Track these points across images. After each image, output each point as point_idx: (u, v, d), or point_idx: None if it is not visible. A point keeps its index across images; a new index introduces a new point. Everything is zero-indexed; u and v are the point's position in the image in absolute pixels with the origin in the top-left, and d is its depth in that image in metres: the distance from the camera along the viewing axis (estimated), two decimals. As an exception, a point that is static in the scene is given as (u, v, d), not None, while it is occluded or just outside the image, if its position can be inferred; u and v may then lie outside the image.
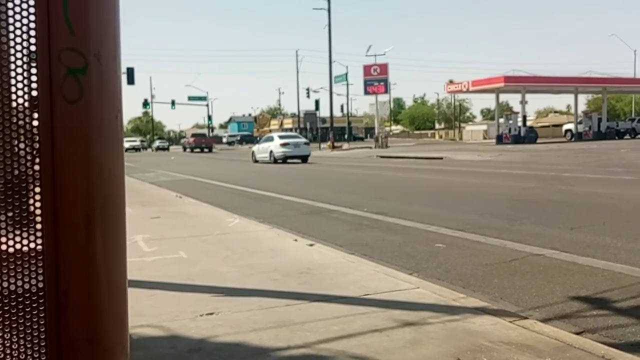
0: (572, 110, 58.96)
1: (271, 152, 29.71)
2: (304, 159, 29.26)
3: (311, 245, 6.65)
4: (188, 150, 62.69)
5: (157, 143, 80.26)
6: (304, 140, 31.38)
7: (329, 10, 52.58)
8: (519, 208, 9.92)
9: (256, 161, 31.24)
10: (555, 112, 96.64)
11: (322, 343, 3.50)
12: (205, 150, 60.48)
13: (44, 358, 1.17)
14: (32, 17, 1.15)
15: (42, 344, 1.17)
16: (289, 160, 28.81)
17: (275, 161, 29.00)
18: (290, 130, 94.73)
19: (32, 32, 1.15)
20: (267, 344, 3.50)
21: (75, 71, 1.14)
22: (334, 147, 49.47)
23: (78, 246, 1.14)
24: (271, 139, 31.28)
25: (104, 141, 1.18)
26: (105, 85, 1.19)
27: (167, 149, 77.00)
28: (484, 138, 66.03)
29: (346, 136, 64.79)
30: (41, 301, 1.16)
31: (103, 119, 1.19)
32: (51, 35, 1.14)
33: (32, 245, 1.16)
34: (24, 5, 1.16)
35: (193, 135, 69.48)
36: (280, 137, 31.33)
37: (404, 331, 3.67)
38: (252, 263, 5.73)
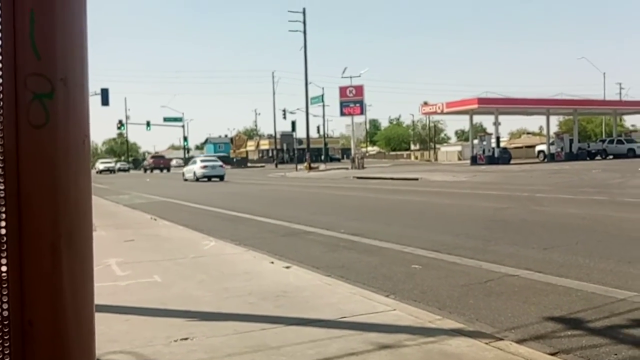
0: (545, 132, 59.99)
1: (194, 172, 36.19)
2: (221, 177, 35.76)
3: (287, 267, 6.61)
4: (148, 170, 70.11)
5: (100, 166, 74.73)
6: (219, 163, 38.50)
7: (304, 32, 53.05)
8: (494, 228, 10.01)
9: (185, 180, 37.32)
10: (528, 133, 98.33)
11: (298, 367, 3.46)
12: (164, 170, 68.94)
13: (8, 389, 1.13)
14: (-2, 42, 1.13)
15: (6, 374, 1.14)
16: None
17: (198, 179, 35.25)
18: (267, 151, 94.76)
19: (-2, 57, 1.13)
20: (242, 369, 3.44)
21: (41, 96, 1.13)
22: (310, 168, 49.54)
23: (44, 274, 1.12)
24: (195, 162, 38.03)
25: (70, 167, 1.16)
26: (72, 110, 1.18)
27: (128, 170, 75.87)
28: (459, 159, 66.76)
29: (323, 157, 64.90)
30: (6, 330, 1.12)
31: (70, 144, 1.17)
32: (17, 61, 1.12)
33: (-4, 272, 1.13)
34: (-10, 31, 1.13)
35: (152, 156, 77.40)
36: (202, 160, 38.66)
37: (381, 354, 3.65)
38: (227, 286, 5.66)
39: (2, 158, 1.11)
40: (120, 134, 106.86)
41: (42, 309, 1.13)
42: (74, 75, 1.16)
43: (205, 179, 35.12)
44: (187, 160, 53.30)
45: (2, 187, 1.12)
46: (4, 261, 1.13)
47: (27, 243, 1.12)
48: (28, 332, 1.12)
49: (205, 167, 36.16)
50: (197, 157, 42.30)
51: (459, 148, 74.64)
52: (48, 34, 1.12)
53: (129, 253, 7.83)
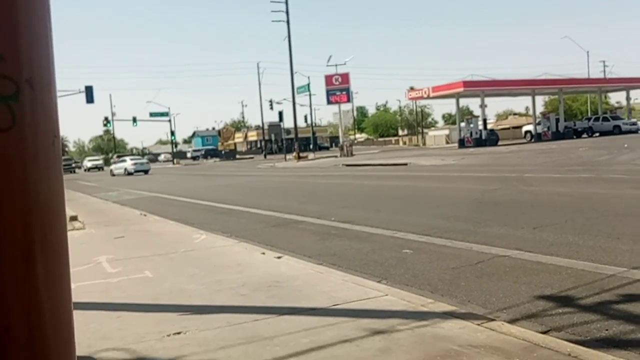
0: (531, 112, 60.24)
1: (125, 168, 48.48)
2: (146, 172, 47.43)
3: (279, 257, 6.61)
4: (86, 170, 74.21)
5: (87, 163, 76.30)
6: (146, 160, 54.89)
7: (287, 22, 52.77)
8: (483, 210, 10.05)
9: (113, 175, 48.70)
10: (515, 114, 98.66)
11: (292, 357, 3.46)
12: (103, 169, 73.61)
13: (-13, 397, 1.12)
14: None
15: (-15, 381, 1.12)
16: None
17: (129, 174, 46.82)
18: (255, 142, 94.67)
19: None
20: (236, 362, 3.44)
21: (6, 98, 1.10)
22: (299, 158, 49.47)
23: (18, 280, 1.09)
24: (124, 161, 51.81)
25: (40, 169, 1.14)
26: (40, 111, 1.15)
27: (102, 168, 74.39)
28: (447, 142, 66.94)
29: (311, 146, 64.86)
30: (-18, 337, 1.10)
31: (38, 145, 1.15)
32: (-21, 62, 1.08)
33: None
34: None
35: (118, 155, 79.67)
36: (131, 159, 52.56)
37: (374, 340, 3.66)
38: (219, 279, 5.66)
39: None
40: (106, 131, 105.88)
41: (18, 314, 1.11)
42: (39, 75, 1.13)
43: (135, 173, 47.08)
44: (108, 161, 69.14)
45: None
46: (-23, 268, 1.11)
47: (0, 250, 1.10)
48: (4, 338, 1.10)
49: (135, 164, 49.32)
50: (127, 157, 57.64)
51: (446, 132, 74.81)
52: (11, 33, 1.08)
53: (120, 250, 7.79)
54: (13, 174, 1.10)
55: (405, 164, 28.03)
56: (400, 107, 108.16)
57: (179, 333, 4.02)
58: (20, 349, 1.12)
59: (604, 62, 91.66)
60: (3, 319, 1.09)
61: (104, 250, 7.75)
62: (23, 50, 1.10)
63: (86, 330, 4.07)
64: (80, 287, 5.33)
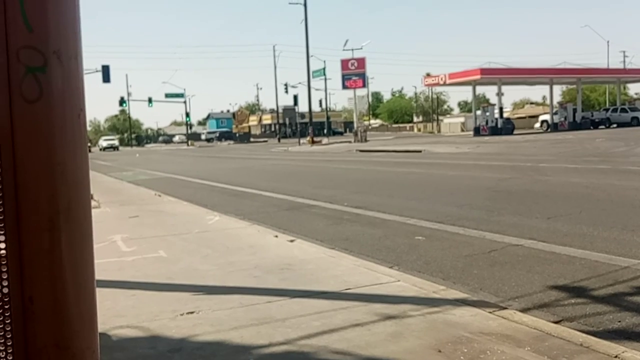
0: (548, 101, 59.59)
1: (101, 145, 72.52)
2: (116, 148, 69.43)
3: (292, 241, 6.63)
4: (101, 150, 79.51)
5: (103, 143, 78.59)
6: (117, 141, 79.21)
7: (305, 5, 52.42)
8: (497, 199, 10.00)
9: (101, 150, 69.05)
10: (531, 103, 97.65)
11: (304, 339, 3.49)
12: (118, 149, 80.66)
13: (11, 365, 1.14)
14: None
15: (9, 350, 1.14)
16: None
17: (105, 149, 69.14)
18: (269, 126, 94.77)
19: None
20: (249, 342, 3.48)
21: (34, 70, 1.11)
22: (313, 142, 49.41)
23: (42, 250, 1.11)
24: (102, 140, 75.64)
25: (66, 141, 1.15)
26: (67, 84, 1.16)
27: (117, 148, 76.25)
28: (462, 130, 66.49)
29: (325, 131, 64.61)
30: (6, 307, 1.12)
31: (65, 118, 1.15)
32: (8, 33, 1.10)
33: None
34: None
35: (105, 139, 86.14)
36: (105, 140, 76.40)
37: (385, 324, 3.67)
38: (232, 260, 5.69)
39: (-4, 133, 1.10)
40: (122, 111, 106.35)
41: (42, 285, 1.13)
42: (67, 47, 1.13)
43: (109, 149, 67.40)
44: (123, 140, 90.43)
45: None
46: (2, 238, 1.12)
47: (25, 219, 1.11)
48: (29, 309, 1.12)
49: (105, 140, 72.94)
50: (103, 137, 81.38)
51: (461, 119, 74.29)
52: (40, 5, 1.09)
53: (134, 229, 7.86)
54: (40, 145, 1.11)
55: (420, 151, 27.91)
56: (415, 94, 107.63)
57: (192, 312, 4.06)
58: (44, 319, 1.13)
59: (624, 52, 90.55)
60: (27, 289, 1.11)
61: (119, 229, 7.83)
62: (51, 22, 1.11)
63: (101, 307, 4.09)
64: (96, 265, 5.35)
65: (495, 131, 45.64)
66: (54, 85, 1.13)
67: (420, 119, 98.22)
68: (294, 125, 75.12)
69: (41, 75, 1.11)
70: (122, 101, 76.27)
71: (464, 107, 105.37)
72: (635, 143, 24.25)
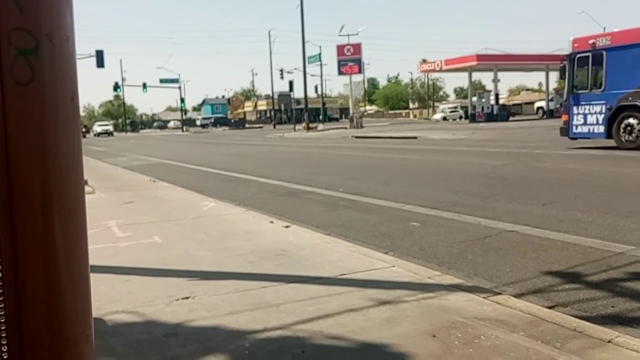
0: (544, 88, 59.55)
1: (96, 130, 74.65)
2: (110, 134, 72.83)
3: (287, 227, 6.64)
4: (95, 135, 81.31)
5: (97, 128, 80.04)
6: (111, 126, 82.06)
7: (301, -10, 52.02)
8: (492, 185, 10.02)
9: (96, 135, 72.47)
10: (527, 89, 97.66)
11: (299, 324, 3.50)
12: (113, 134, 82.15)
13: (5, 350, 1.14)
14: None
15: (3, 335, 1.13)
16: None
17: (99, 135, 73.01)
18: (265, 112, 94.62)
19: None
20: (244, 327, 3.49)
21: (25, 52, 1.09)
22: (309, 128, 49.35)
23: (35, 234, 1.10)
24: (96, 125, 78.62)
25: (59, 124, 1.14)
26: (59, 66, 1.14)
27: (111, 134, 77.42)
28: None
29: (321, 117, 64.60)
30: (0, 291, 1.12)
31: (58, 101, 1.14)
32: (-1, 15, 1.07)
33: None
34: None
35: (99, 124, 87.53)
36: (99, 125, 78.11)
37: (380, 310, 3.69)
38: (228, 246, 5.69)
39: (-12, 117, 1.09)
40: (116, 96, 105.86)
41: (36, 269, 1.12)
42: (59, 30, 1.12)
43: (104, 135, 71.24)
44: (117, 126, 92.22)
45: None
46: (-5, 222, 1.12)
47: (18, 203, 1.11)
48: (22, 293, 1.12)
49: (101, 125, 76.72)
50: (97, 122, 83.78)
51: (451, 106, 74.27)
52: (30, -14, 1.07)
53: (129, 215, 7.85)
54: (32, 128, 1.10)
55: (415, 138, 27.93)
56: (411, 80, 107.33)
57: (187, 298, 4.07)
58: (38, 304, 1.13)
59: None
60: (20, 274, 1.11)
61: (114, 214, 7.82)
62: (43, 4, 1.09)
63: (95, 292, 4.09)
64: (90, 251, 5.30)
65: (491, 117, 45.70)
66: (46, 68, 1.12)
67: (416, 105, 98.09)
68: (289, 111, 75.06)
69: (33, 57, 1.10)
70: (116, 86, 76.01)
71: (460, 93, 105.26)
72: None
